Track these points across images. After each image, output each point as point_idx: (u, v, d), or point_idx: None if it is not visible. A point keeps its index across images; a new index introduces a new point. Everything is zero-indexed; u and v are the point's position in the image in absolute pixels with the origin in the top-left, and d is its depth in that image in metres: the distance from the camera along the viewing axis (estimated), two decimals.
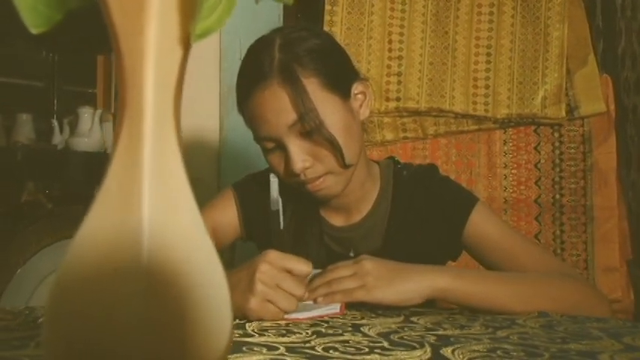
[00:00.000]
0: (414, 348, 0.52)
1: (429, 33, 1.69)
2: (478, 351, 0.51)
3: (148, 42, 0.29)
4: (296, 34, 0.90)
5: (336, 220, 1.01)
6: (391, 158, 1.09)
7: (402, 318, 0.73)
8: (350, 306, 0.79)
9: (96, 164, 1.60)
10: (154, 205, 0.29)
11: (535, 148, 1.68)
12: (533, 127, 1.68)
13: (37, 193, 1.65)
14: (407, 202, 1.00)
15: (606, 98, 1.64)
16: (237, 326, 0.65)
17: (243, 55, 2.23)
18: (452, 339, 0.57)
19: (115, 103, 1.89)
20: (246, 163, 1.73)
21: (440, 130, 1.69)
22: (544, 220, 1.64)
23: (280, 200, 0.87)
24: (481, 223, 0.95)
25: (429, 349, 0.51)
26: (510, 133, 1.69)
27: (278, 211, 0.87)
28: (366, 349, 0.51)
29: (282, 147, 0.88)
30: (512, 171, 1.67)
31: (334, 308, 0.77)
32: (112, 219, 0.29)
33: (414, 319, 0.72)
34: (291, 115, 0.85)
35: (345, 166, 0.89)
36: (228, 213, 1.03)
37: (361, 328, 0.64)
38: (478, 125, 1.68)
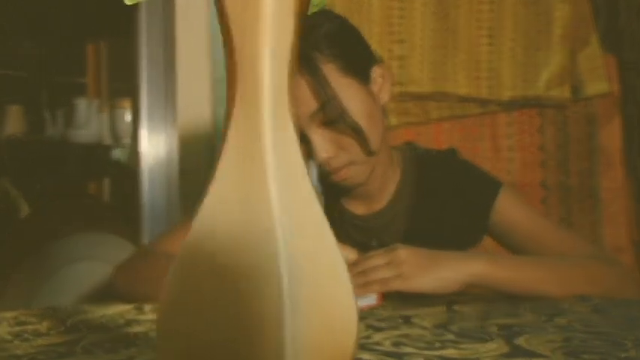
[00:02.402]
0: (485, 340, 0.50)
1: (430, 15, 1.66)
2: (554, 341, 0.48)
3: (263, 14, 0.26)
4: (310, 19, 0.86)
5: (358, 209, 0.98)
6: (410, 143, 1.06)
7: (444, 307, 0.70)
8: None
9: (95, 157, 1.55)
10: (280, 189, 0.25)
11: (539, 130, 1.67)
12: (537, 109, 1.66)
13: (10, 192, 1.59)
14: (429, 188, 0.97)
15: (610, 78, 1.63)
16: None
17: None
18: (515, 328, 0.55)
19: (108, 92, 1.83)
20: None
21: (443, 113, 1.67)
22: (550, 203, 1.63)
23: (320, 187, 0.84)
24: (508, 208, 0.93)
25: (501, 341, 0.49)
26: (514, 115, 1.67)
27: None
28: (438, 344, 0.48)
29: (303, 138, 0.85)
30: (517, 154, 1.66)
31: (371, 299, 0.74)
32: (235, 209, 0.25)
33: (456, 307, 0.70)
34: (312, 105, 0.81)
35: (369, 153, 0.86)
36: None
37: (412, 320, 0.61)
38: (482, 108, 1.66)
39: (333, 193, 0.95)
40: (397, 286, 0.75)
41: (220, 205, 0.26)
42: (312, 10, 0.27)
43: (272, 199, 0.25)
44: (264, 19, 0.26)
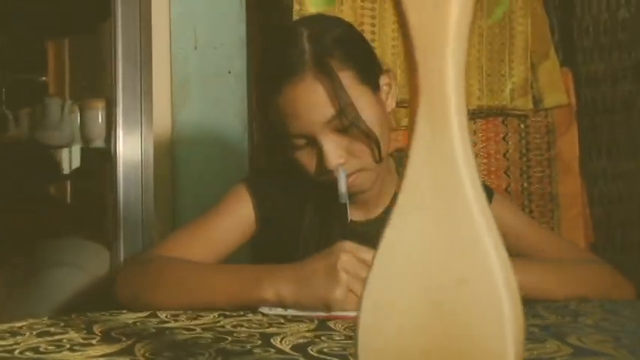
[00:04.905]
0: (539, 341, 0.52)
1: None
2: (606, 341, 0.51)
3: (449, 25, 0.27)
4: (321, 24, 0.87)
5: (356, 215, 0.99)
6: (401, 150, 1.09)
7: None
8: None
9: (62, 159, 1.48)
10: (479, 208, 0.26)
11: (503, 139, 1.74)
12: (501, 119, 1.74)
13: None
14: None
15: (567, 90, 1.73)
16: (322, 325, 0.62)
17: (199, 43, 2.11)
18: (552, 329, 0.58)
19: (70, 90, 1.75)
20: (200, 158, 1.66)
21: None
22: None
23: (348, 194, 0.84)
24: (502, 215, 0.97)
25: (556, 342, 0.51)
26: (480, 123, 1.74)
27: (346, 204, 0.85)
28: None
29: (313, 143, 0.85)
30: (483, 160, 1.73)
31: None
32: (432, 216, 0.26)
33: None
34: (328, 111, 0.82)
35: (379, 160, 0.87)
36: (244, 210, 0.98)
37: None
38: None
39: (333, 199, 0.96)
40: None
41: (415, 211, 0.27)
42: (495, 17, 0.28)
43: (471, 204, 0.26)
44: (450, 31, 0.27)
